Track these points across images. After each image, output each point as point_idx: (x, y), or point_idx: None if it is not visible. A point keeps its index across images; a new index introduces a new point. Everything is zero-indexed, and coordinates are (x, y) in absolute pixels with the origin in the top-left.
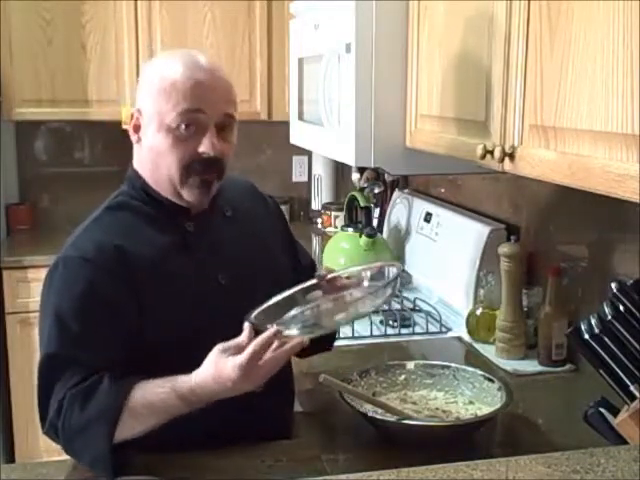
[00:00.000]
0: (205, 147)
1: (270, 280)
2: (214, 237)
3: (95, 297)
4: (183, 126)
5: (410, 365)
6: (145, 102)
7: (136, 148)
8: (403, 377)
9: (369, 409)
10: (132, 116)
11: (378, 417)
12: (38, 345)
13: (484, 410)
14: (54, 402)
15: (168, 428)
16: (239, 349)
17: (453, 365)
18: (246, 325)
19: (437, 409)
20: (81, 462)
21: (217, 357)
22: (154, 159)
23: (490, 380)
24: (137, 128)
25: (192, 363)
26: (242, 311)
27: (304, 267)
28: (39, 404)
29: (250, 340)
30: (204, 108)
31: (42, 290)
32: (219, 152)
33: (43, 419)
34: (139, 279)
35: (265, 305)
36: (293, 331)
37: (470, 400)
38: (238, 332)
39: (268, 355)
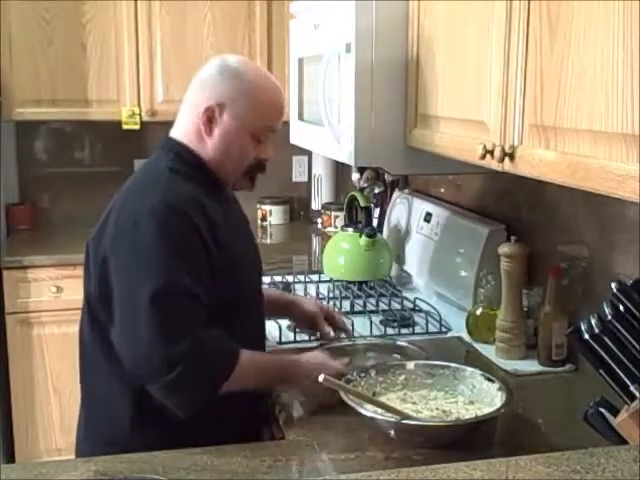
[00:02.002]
0: (268, 154)
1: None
2: (235, 212)
3: (193, 239)
4: (263, 137)
5: (410, 365)
6: (235, 104)
7: (195, 132)
8: (403, 377)
9: (369, 409)
10: (208, 109)
11: (378, 417)
12: (129, 284)
13: (484, 410)
14: (186, 334)
15: (169, 428)
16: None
17: (453, 365)
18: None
19: (437, 409)
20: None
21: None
22: (228, 149)
23: (490, 380)
24: (212, 119)
25: (234, 329)
26: (260, 284)
27: None
28: (158, 336)
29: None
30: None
31: (128, 237)
32: None
33: (166, 348)
34: (214, 231)
35: None
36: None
37: (470, 400)
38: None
39: None
